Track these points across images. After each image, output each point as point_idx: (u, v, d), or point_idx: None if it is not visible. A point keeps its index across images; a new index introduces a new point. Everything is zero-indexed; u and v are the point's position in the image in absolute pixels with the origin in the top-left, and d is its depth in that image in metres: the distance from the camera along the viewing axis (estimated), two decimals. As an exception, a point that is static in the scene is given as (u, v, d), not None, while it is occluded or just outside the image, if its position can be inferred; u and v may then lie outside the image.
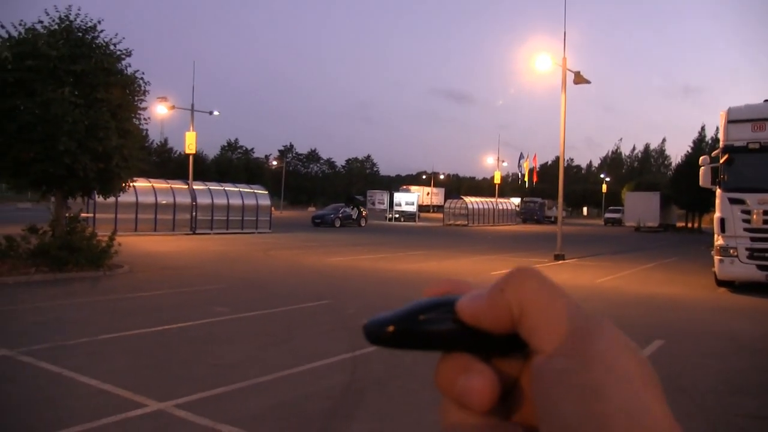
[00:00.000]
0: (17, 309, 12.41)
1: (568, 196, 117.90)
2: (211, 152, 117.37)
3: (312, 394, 7.29)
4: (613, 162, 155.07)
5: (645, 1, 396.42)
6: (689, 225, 71.96)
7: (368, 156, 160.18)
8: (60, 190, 18.31)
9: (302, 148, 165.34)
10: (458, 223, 65.05)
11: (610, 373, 0.42)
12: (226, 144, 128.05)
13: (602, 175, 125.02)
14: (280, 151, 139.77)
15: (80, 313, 12.15)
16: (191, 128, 40.74)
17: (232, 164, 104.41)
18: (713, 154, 17.80)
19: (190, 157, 40.59)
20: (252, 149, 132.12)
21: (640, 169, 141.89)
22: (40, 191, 18.53)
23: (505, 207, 75.16)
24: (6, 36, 17.24)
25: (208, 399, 6.90)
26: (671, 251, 34.00)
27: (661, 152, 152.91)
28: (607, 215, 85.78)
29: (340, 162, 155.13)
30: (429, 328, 0.49)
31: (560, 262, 25.28)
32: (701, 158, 18.09)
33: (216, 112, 46.60)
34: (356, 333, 10.26)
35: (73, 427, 6.00)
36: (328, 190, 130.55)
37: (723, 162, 17.00)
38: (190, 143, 40.54)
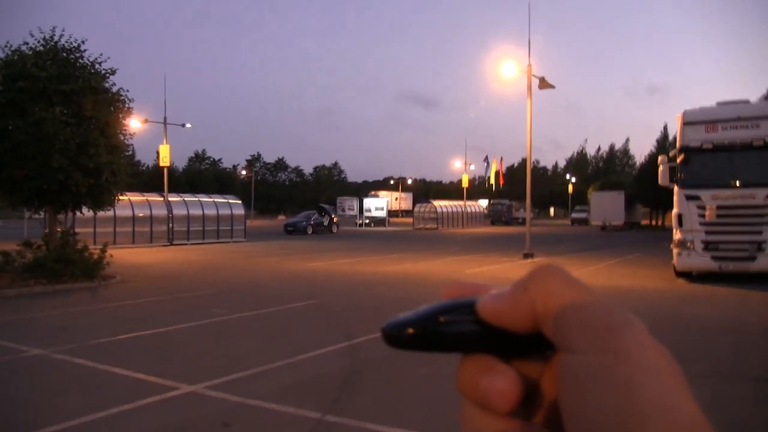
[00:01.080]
0: (32, 317, 13.27)
1: (535, 197, 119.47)
2: (179, 164, 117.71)
3: (319, 375, 8.34)
4: (578, 162, 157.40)
5: (610, 2, 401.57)
6: (653, 223, 73.97)
7: (335, 163, 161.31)
8: (52, 206, 19.12)
9: (270, 157, 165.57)
10: (428, 226, 66.11)
11: (641, 369, 0.42)
12: (194, 155, 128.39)
13: (568, 176, 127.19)
14: (247, 160, 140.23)
15: (91, 319, 13.07)
16: (165, 141, 41.44)
17: (202, 175, 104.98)
18: (671, 154, 19.08)
19: (165, 170, 41.23)
20: (220, 159, 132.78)
21: (605, 169, 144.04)
22: (33, 207, 19.30)
23: (473, 210, 76.54)
24: (-4, 59, 18.04)
25: (232, 382, 7.91)
26: (635, 248, 35.42)
27: (625, 152, 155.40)
28: (574, 215, 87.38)
29: (308, 170, 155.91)
30: (449, 329, 0.50)
31: (529, 260, 26.50)
32: (660, 158, 19.37)
33: (188, 125, 47.22)
34: (347, 327, 11.43)
35: (122, 405, 6.98)
36: (297, 199, 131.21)
37: (680, 162, 18.30)
38: (164, 156, 41.23)
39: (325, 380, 8.06)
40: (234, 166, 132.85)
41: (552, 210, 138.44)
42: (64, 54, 18.75)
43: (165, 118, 41.59)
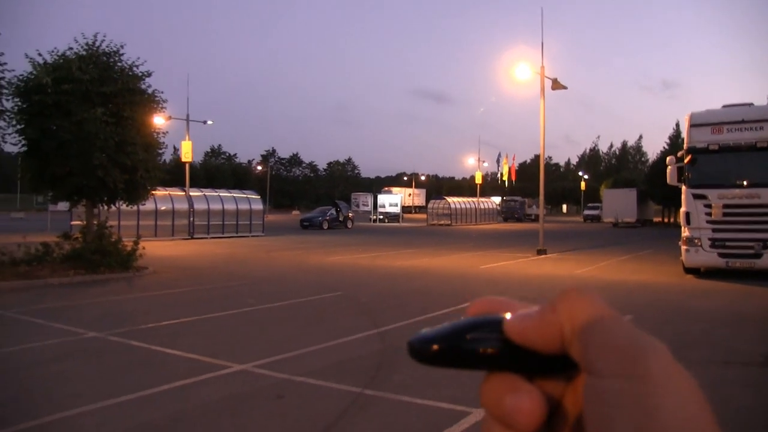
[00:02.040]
0: (79, 304, 14.26)
1: (547, 194, 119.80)
2: (196, 158, 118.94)
3: (356, 356, 9.28)
4: (591, 159, 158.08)
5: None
6: (665, 220, 74.58)
7: (349, 158, 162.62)
8: (90, 200, 20.16)
9: (284, 153, 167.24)
10: (442, 222, 66.96)
11: (666, 395, 0.42)
12: (209, 150, 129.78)
13: (580, 173, 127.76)
14: (262, 155, 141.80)
15: (134, 306, 14.06)
16: (187, 138, 42.45)
17: (220, 170, 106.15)
18: (679, 154, 19.89)
19: (186, 166, 42.24)
20: (235, 154, 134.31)
21: (618, 166, 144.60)
22: (73, 201, 20.37)
23: (486, 206, 77.28)
24: (42, 63, 19.07)
25: (277, 362, 8.86)
26: (646, 244, 36.21)
27: (638, 149, 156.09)
28: (586, 212, 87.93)
29: (321, 165, 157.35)
30: (475, 347, 0.50)
31: (543, 256, 27.36)
32: (668, 158, 20.21)
33: (210, 122, 48.28)
34: (374, 315, 12.36)
35: (180, 381, 7.94)
36: (310, 194, 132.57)
37: (687, 162, 19.12)
38: (186, 152, 42.25)
39: (361, 361, 9.00)
40: (249, 161, 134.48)
41: (565, 207, 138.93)
42: (104, 58, 19.78)
43: (188, 116, 42.60)
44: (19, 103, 18.55)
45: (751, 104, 19.81)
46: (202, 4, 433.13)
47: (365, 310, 13.33)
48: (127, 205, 21.95)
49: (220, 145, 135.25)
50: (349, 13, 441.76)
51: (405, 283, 17.75)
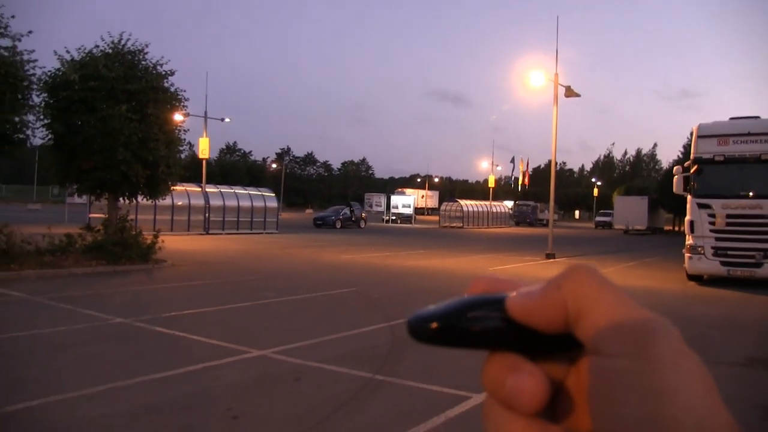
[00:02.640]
0: (104, 293, 14.91)
1: (560, 199, 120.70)
2: (211, 155, 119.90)
3: (368, 346, 9.88)
4: (605, 166, 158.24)
5: (645, 4, 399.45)
6: (676, 228, 74.81)
7: (363, 159, 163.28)
8: (113, 194, 20.86)
9: (299, 151, 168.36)
10: (454, 225, 67.49)
11: (676, 377, 0.41)
12: (224, 147, 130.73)
13: (593, 179, 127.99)
14: (277, 154, 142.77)
15: (156, 296, 14.72)
16: (204, 135, 43.24)
17: (235, 167, 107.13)
18: (685, 164, 20.40)
19: (204, 162, 43.00)
20: (250, 152, 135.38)
21: (632, 174, 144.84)
22: (96, 194, 21.09)
23: (498, 210, 77.85)
24: (69, 60, 19.80)
25: (293, 349, 9.47)
26: (654, 252, 36.65)
27: (652, 157, 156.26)
28: (598, 218, 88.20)
29: (336, 164, 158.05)
30: (476, 325, 0.49)
31: (551, 260, 27.88)
32: (675, 168, 20.76)
33: (227, 119, 49.04)
34: (386, 310, 12.95)
35: (204, 363, 8.55)
36: (324, 193, 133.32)
37: (693, 172, 19.61)
38: (203, 149, 43.03)
39: (372, 350, 9.60)
40: (264, 159, 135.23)
41: (577, 213, 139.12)
42: (129, 56, 20.48)
43: (206, 113, 43.40)
44: (47, 99, 19.24)
45: (758, 117, 20.26)
46: (219, 1, 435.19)
47: (377, 305, 13.93)
48: (148, 200, 22.61)
49: (235, 142, 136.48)
50: (367, 13, 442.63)
51: (416, 282, 18.34)
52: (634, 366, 0.42)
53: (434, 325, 0.49)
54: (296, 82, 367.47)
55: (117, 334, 10.52)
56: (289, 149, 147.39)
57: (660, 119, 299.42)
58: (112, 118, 18.97)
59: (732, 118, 20.42)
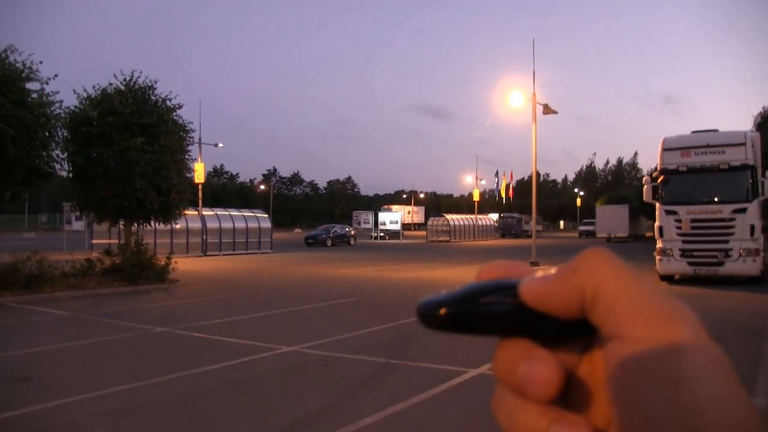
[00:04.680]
0: (135, 308, 16.65)
1: (544, 210, 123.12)
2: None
3: (377, 341, 11.69)
4: (587, 176, 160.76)
5: (627, 12, 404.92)
6: (656, 235, 76.78)
7: (349, 177, 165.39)
8: (129, 219, 22.61)
9: (285, 171, 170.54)
10: (441, 239, 69.25)
11: (697, 362, 0.41)
12: (212, 170, 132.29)
13: (576, 190, 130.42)
14: (264, 175, 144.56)
15: (182, 310, 16.45)
16: (200, 160, 44.99)
17: (226, 189, 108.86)
18: (654, 175, 22.39)
19: (200, 186, 44.70)
20: (237, 174, 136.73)
21: (614, 183, 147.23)
22: (113, 220, 22.84)
23: (484, 223, 79.72)
24: (86, 97, 21.62)
25: (316, 345, 11.26)
26: (634, 257, 38.46)
27: (633, 165, 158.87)
28: (582, 228, 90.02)
29: (322, 183, 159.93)
30: (487, 311, 0.48)
31: (534, 268, 29.68)
32: (644, 179, 22.82)
33: (221, 144, 50.88)
34: (389, 314, 14.74)
35: (245, 357, 10.34)
36: (311, 212, 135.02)
37: (660, 182, 21.61)
38: (199, 173, 44.73)
39: (383, 343, 11.42)
40: (251, 180, 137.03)
41: (562, 223, 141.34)
42: (140, 92, 22.31)
43: (200, 139, 45.12)
44: (67, 134, 21.01)
45: (716, 131, 22.31)
46: (199, 21, 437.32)
47: (379, 310, 15.75)
48: (161, 225, 24.35)
49: (222, 164, 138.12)
50: (349, 30, 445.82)
51: (411, 290, 20.16)
52: (655, 351, 0.42)
53: (444, 311, 0.48)
54: (279, 100, 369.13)
55: (163, 339, 12.29)
56: (275, 170, 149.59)
57: (644, 127, 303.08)
58: (129, 150, 20.76)
59: (693, 132, 22.50)
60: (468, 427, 7.07)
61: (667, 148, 21.74)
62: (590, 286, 0.45)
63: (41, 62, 18.43)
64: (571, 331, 0.47)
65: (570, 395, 0.48)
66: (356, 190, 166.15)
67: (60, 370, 9.80)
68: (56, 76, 18.70)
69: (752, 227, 20.18)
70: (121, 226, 23.40)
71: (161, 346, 11.62)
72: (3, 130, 16.43)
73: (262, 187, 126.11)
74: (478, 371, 8.98)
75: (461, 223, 73.56)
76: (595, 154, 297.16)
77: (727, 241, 20.49)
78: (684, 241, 21.18)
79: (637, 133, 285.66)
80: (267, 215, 49.17)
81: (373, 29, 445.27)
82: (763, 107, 34.30)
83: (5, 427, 7.13)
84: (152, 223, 23.84)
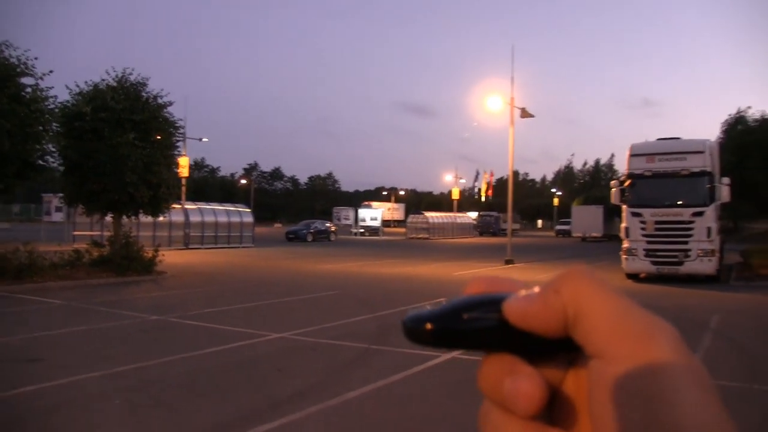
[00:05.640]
0: (128, 298, 17.42)
1: (523, 209, 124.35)
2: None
3: (361, 330, 12.59)
4: (565, 176, 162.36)
5: (609, 15, 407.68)
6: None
7: (330, 173, 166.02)
8: (118, 213, 23.32)
9: (266, 166, 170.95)
10: (420, 236, 70.00)
11: (677, 382, 0.41)
12: (193, 163, 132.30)
13: (553, 190, 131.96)
14: (245, 169, 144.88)
15: (173, 300, 17.23)
16: (184, 153, 45.55)
17: (208, 183, 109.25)
18: (621, 179, 23.56)
19: (183, 180, 45.29)
20: (218, 168, 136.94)
21: (591, 184, 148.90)
22: (104, 213, 23.54)
23: (463, 221, 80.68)
24: (78, 92, 22.30)
25: (304, 332, 12.14)
26: (606, 256, 39.84)
27: (610, 167, 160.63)
28: (558, 227, 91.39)
29: (302, 179, 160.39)
30: (471, 327, 0.48)
31: (510, 265, 30.83)
32: (612, 182, 24.00)
33: (205, 139, 51.49)
34: (371, 305, 15.64)
35: (237, 342, 11.18)
36: (292, 207, 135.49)
37: (627, 185, 22.75)
38: (183, 167, 45.31)
39: (365, 332, 12.31)
40: (232, 175, 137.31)
41: (540, 222, 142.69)
42: (132, 89, 23.02)
43: (184, 134, 45.70)
44: (60, 128, 21.64)
45: (679, 138, 23.57)
46: (182, 14, 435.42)
47: (362, 302, 16.63)
48: (150, 218, 25.07)
49: (203, 158, 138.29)
50: (330, 25, 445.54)
51: (391, 284, 21.08)
52: (636, 370, 0.42)
53: (429, 326, 0.48)
54: (260, 95, 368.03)
55: (160, 326, 13.11)
56: (256, 164, 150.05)
57: (623, 128, 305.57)
58: (121, 146, 21.45)
59: (659, 139, 23.73)
60: (442, 398, 7.98)
61: (634, 154, 22.90)
62: (572, 305, 0.45)
63: (36, 58, 19.11)
64: (556, 348, 0.47)
65: (555, 411, 0.49)
66: (337, 186, 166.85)
67: (67, 352, 10.60)
68: (51, 71, 19.38)
69: (709, 229, 21.42)
70: (110, 219, 24.01)
71: (159, 332, 12.44)
72: (-1, 124, 17.11)
73: (243, 181, 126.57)
74: (451, 355, 9.87)
75: (440, 221, 74.49)
76: (573, 155, 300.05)
77: (686, 242, 21.66)
78: (648, 242, 22.31)
79: (617, 135, 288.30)
80: (249, 210, 49.84)
81: (357, 26, 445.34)
82: (729, 114, 35.48)
83: (24, 399, 7.91)
84: (140, 217, 24.53)
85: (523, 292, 0.48)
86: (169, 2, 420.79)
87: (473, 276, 0.53)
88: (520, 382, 0.46)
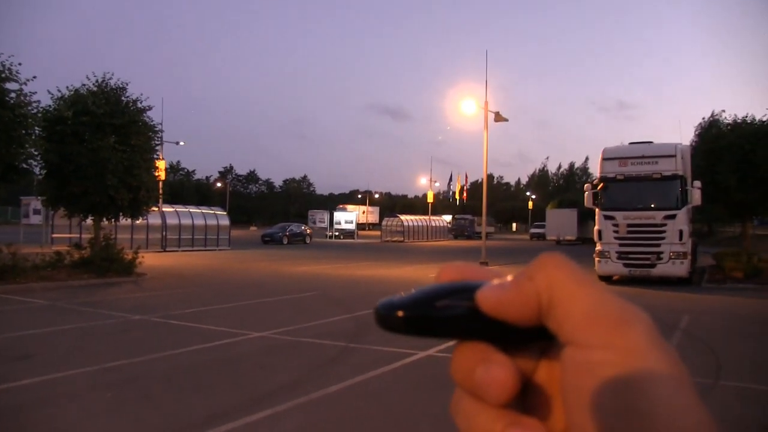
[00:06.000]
0: (110, 299, 17.74)
1: (497, 212, 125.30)
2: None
3: (339, 329, 13.06)
4: (540, 180, 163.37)
5: (585, 18, 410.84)
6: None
7: (305, 176, 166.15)
8: (99, 215, 23.62)
9: (241, 169, 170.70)
10: (395, 239, 70.62)
11: (650, 368, 0.41)
12: (169, 166, 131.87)
13: (528, 193, 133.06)
14: (220, 172, 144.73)
15: (154, 300, 17.59)
16: (161, 157, 45.71)
17: (184, 186, 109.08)
18: (594, 182, 24.12)
19: (160, 183, 45.43)
20: (194, 171, 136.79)
21: (566, 187, 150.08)
22: (85, 216, 23.81)
23: (438, 224, 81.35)
24: (60, 97, 22.59)
25: (283, 331, 12.58)
26: (579, 258, 37.98)
27: (584, 170, 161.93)
28: (533, 230, 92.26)
29: (277, 182, 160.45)
30: (443, 314, 0.48)
31: (493, 269, 31.30)
32: (585, 186, 24.53)
33: (182, 143, 51.68)
34: (347, 306, 16.09)
35: (221, 341, 11.61)
36: (267, 210, 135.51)
37: (600, 189, 23.34)
38: (161, 171, 45.48)
39: (343, 331, 12.78)
40: (207, 178, 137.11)
41: (515, 225, 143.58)
42: (113, 94, 23.34)
43: (161, 137, 45.82)
44: (41, 132, 21.92)
45: (651, 142, 24.17)
46: (158, 16, 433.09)
47: (339, 303, 17.09)
48: (129, 220, 25.39)
49: (179, 161, 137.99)
50: (305, 28, 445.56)
51: (367, 286, 21.58)
52: (609, 357, 0.42)
53: (400, 313, 0.49)
54: (236, 98, 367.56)
55: (143, 325, 13.50)
56: (231, 167, 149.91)
57: (598, 130, 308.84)
58: (102, 149, 21.78)
59: (630, 143, 24.37)
60: (418, 394, 8.47)
61: (607, 158, 23.50)
62: (546, 292, 0.45)
63: (20, 64, 19.38)
64: (529, 336, 0.47)
65: (528, 400, 0.49)
66: (312, 189, 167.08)
67: (56, 350, 10.97)
68: (35, 77, 19.66)
69: (681, 232, 21.99)
70: (90, 221, 24.28)
71: (143, 331, 12.84)
72: (-17, 129, 17.40)
73: (219, 184, 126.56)
74: (426, 353, 10.38)
75: (415, 224, 75.07)
76: (548, 158, 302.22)
77: (658, 245, 22.26)
78: (620, 245, 22.91)
79: (592, 137, 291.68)
80: (225, 213, 50.15)
81: (331, 28, 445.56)
82: (703, 118, 36.21)
83: (17, 393, 8.29)
84: (120, 219, 24.83)
85: (496, 281, 0.48)
86: (144, 6, 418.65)
87: (445, 264, 0.54)
88: (492, 369, 0.46)
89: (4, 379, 8.72)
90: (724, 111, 34.14)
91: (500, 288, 0.47)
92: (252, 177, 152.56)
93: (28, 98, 19.54)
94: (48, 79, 22.92)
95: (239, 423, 7.04)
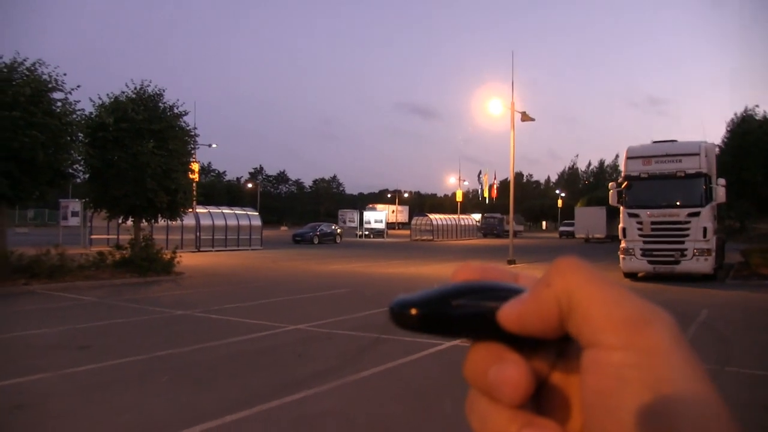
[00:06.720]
0: (153, 297, 18.69)
1: (526, 210, 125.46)
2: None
3: (370, 323, 13.79)
4: (570, 177, 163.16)
5: (614, 13, 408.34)
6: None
7: (334, 176, 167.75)
8: (139, 217, 24.66)
9: (271, 169, 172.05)
10: (424, 238, 71.25)
11: (672, 368, 0.40)
12: (201, 168, 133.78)
13: (557, 191, 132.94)
14: (250, 173, 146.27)
15: (194, 297, 18.48)
16: (194, 159, 46.88)
17: (215, 188, 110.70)
18: (619, 181, 24.66)
19: (194, 185, 46.60)
20: (224, 172, 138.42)
21: (596, 184, 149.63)
22: (126, 218, 24.87)
23: (466, 223, 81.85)
24: (100, 104, 23.66)
25: (318, 324, 13.39)
26: (607, 256, 40.67)
27: (615, 168, 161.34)
28: (562, 228, 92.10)
29: (307, 182, 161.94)
30: (458, 314, 0.47)
31: (511, 265, 31.98)
32: (610, 184, 25.06)
33: (215, 145, 52.79)
34: (379, 301, 16.79)
35: (261, 333, 12.44)
36: (297, 210, 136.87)
37: (624, 187, 23.88)
38: (195, 173, 46.65)
39: (374, 324, 13.51)
40: (238, 179, 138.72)
41: (544, 223, 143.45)
42: (150, 100, 24.36)
43: (196, 141, 46.97)
44: (84, 139, 22.98)
45: (675, 141, 24.64)
46: (186, 21, 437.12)
47: (369, 299, 17.86)
48: (168, 221, 26.44)
49: (210, 162, 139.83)
50: (335, 28, 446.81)
51: (398, 283, 22.34)
52: (630, 358, 0.41)
53: (414, 311, 0.49)
54: (265, 99, 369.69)
55: (187, 320, 14.39)
56: (261, 168, 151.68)
57: (629, 126, 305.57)
58: (141, 154, 22.79)
59: (654, 142, 24.86)
60: (445, 377, 9.22)
61: (631, 157, 24.03)
62: (564, 297, 0.45)
63: (65, 74, 20.43)
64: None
65: (543, 401, 0.49)
66: (341, 188, 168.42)
67: (110, 341, 11.89)
68: (79, 86, 20.68)
69: (705, 229, 22.44)
70: (130, 223, 25.33)
71: (187, 325, 13.75)
72: (35, 137, 18.40)
73: (249, 185, 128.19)
74: (453, 342, 11.12)
75: (444, 222, 75.66)
76: (577, 155, 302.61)
77: (682, 242, 22.74)
78: (645, 242, 23.43)
79: (622, 134, 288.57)
80: (257, 213, 51.23)
81: (360, 28, 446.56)
82: (735, 113, 36.26)
83: (87, 376, 9.15)
84: (158, 221, 25.86)
85: (515, 299, 0.48)
86: (173, 9, 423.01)
87: (461, 263, 0.54)
88: (506, 369, 0.46)
89: (68, 365, 9.62)
90: (758, 106, 34.15)
91: (520, 303, 0.47)
92: (282, 177, 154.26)
93: (72, 106, 20.58)
94: (87, 85, 23.98)
95: (283, 401, 7.84)
